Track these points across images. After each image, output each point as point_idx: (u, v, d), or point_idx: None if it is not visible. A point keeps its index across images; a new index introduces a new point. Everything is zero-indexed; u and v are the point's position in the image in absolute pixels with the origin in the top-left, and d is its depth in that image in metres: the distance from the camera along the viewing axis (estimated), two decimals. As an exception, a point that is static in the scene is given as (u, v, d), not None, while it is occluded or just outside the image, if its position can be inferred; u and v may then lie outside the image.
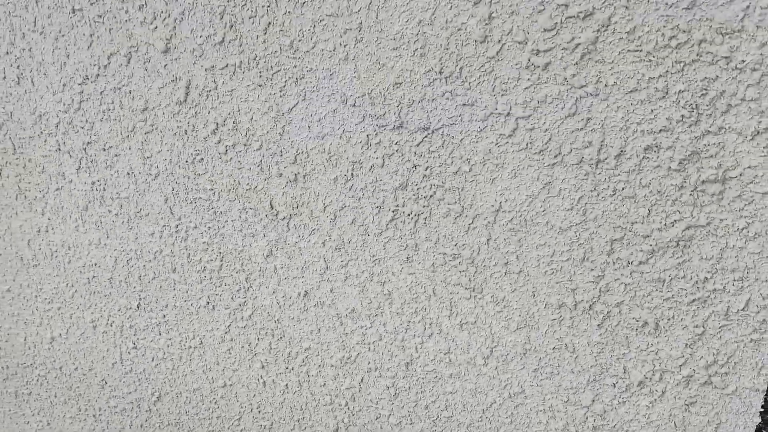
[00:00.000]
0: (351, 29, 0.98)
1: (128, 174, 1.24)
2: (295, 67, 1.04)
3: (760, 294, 0.93)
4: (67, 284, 1.41)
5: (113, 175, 1.26)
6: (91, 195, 1.30)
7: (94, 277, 1.38)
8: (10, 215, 1.40)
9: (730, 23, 0.81)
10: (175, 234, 1.26)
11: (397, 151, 1.05)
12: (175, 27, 1.08)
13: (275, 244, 1.19)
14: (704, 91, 0.85)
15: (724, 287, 0.94)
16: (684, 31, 0.83)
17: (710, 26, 0.82)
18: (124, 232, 1.31)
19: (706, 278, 0.95)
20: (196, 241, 1.25)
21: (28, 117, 1.27)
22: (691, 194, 0.91)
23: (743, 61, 0.82)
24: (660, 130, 0.89)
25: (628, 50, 0.86)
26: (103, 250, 1.35)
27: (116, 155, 1.24)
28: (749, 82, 0.83)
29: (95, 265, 1.37)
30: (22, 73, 1.24)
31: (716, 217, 0.91)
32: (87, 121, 1.23)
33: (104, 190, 1.28)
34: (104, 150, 1.24)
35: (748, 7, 0.79)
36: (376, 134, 1.05)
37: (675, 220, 0.93)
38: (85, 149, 1.26)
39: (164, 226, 1.26)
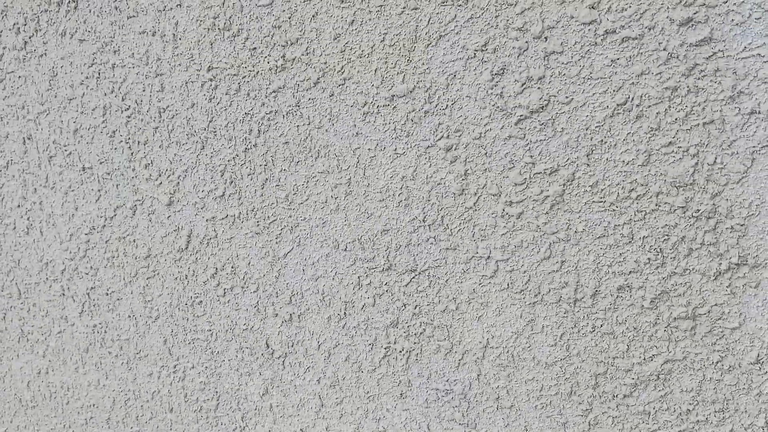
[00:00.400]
0: (341, 184, 1.07)
1: (129, 317, 1.29)
2: (290, 216, 1.12)
3: (742, 425, 0.96)
4: (64, 425, 1.42)
5: (115, 318, 1.30)
6: (92, 337, 1.34)
7: (91, 418, 1.39)
8: (11, 357, 1.43)
9: (683, 177, 0.90)
10: (173, 374, 1.29)
11: (387, 291, 1.11)
12: (178, 183, 1.17)
13: (271, 383, 1.22)
14: (666, 237, 0.93)
15: (706, 419, 0.97)
16: (642, 185, 0.92)
17: (665, 180, 0.91)
18: (123, 373, 1.33)
19: (689, 410, 0.98)
20: (193, 381, 1.28)
21: (35, 264, 1.34)
22: (665, 330, 0.96)
23: (698, 210, 0.90)
24: (630, 272, 0.95)
25: (593, 201, 0.94)
26: (101, 390, 1.37)
27: (118, 299, 1.29)
28: (706, 228, 0.90)
29: (93, 405, 1.38)
30: (31, 224, 1.31)
31: (691, 352, 0.96)
32: (92, 267, 1.29)
33: (105, 332, 1.32)
34: (107, 294, 1.30)
35: (696, 163, 0.89)
36: (366, 276, 1.11)
37: (653, 355, 0.98)
38: (88, 294, 1.31)
39: (162, 366, 1.30)
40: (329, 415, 1.19)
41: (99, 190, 1.24)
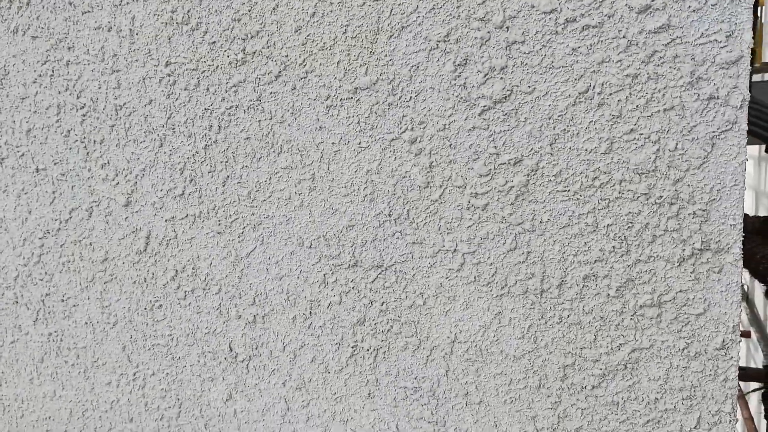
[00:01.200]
0: (305, 179, 1.05)
1: (86, 323, 1.24)
2: (253, 214, 1.10)
3: (709, 411, 0.96)
4: (17, 441, 1.36)
5: (71, 325, 1.26)
6: (48, 346, 1.29)
7: (47, 430, 1.34)
8: (-40, 371, 1.36)
9: (644, 164, 0.90)
10: (133, 382, 1.25)
11: (353, 288, 1.09)
12: (136, 182, 1.13)
13: (235, 387, 1.19)
14: (630, 224, 0.93)
15: (674, 407, 0.98)
16: (605, 173, 0.92)
17: (627, 167, 0.91)
18: (80, 382, 1.28)
19: (657, 399, 0.98)
20: (154, 389, 1.24)
21: (-14, 271, 1.28)
22: (631, 318, 0.96)
23: (661, 196, 0.91)
24: (595, 261, 0.96)
25: (557, 191, 0.94)
26: (58, 402, 1.31)
27: (74, 305, 1.24)
28: (669, 214, 0.91)
29: (49, 418, 1.33)
30: (-18, 229, 1.26)
31: (658, 339, 0.96)
32: (46, 273, 1.24)
33: (61, 340, 1.27)
34: (62, 301, 1.25)
35: (658, 150, 0.89)
36: (332, 273, 1.09)
37: (620, 344, 0.98)
38: (43, 301, 1.26)
39: (121, 374, 1.25)
40: (295, 419, 1.16)
41: (53, 192, 1.19)
